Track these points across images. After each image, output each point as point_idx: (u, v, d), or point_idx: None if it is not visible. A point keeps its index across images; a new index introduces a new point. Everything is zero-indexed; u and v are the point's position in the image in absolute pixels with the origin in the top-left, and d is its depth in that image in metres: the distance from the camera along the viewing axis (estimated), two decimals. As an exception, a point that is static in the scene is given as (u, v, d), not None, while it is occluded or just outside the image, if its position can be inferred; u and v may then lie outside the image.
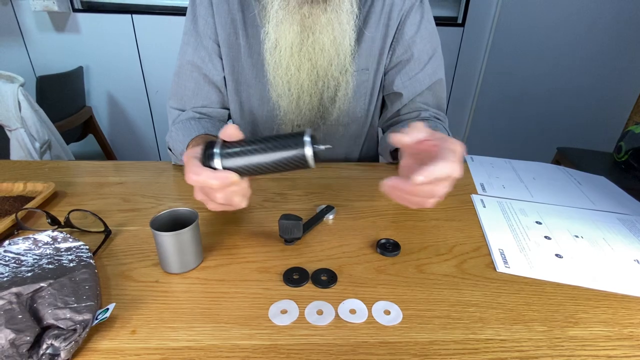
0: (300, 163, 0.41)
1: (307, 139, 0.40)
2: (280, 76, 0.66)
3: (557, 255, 0.48)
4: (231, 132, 0.42)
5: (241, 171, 0.42)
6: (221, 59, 0.72)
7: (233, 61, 0.72)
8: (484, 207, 0.59)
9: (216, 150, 0.42)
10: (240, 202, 0.45)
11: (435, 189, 0.40)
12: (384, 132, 0.80)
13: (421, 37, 0.71)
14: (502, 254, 0.48)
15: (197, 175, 0.41)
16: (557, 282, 0.43)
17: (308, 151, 0.40)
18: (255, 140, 0.42)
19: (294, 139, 0.40)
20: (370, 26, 0.69)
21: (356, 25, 0.64)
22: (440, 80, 0.74)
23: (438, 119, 0.74)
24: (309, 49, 0.63)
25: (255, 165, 0.41)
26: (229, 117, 0.80)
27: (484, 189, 0.65)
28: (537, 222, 0.55)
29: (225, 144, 0.42)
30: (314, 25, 0.61)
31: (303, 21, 0.61)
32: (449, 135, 0.69)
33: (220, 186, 0.41)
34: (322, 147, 0.42)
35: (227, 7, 0.68)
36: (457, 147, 0.41)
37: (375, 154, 0.89)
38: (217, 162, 0.41)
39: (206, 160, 0.42)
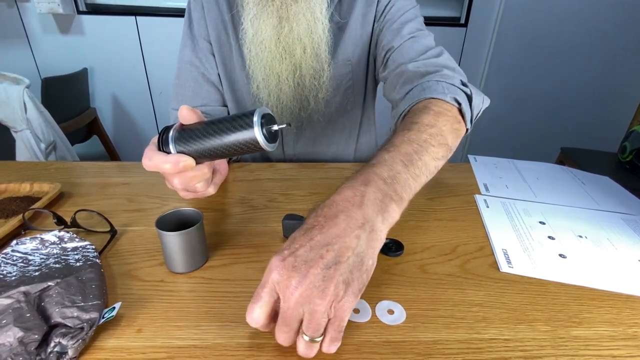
0: (252, 145, 0.37)
1: (256, 119, 0.36)
2: (260, 69, 0.68)
3: (560, 255, 0.48)
4: (185, 113, 0.40)
5: (197, 155, 0.40)
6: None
7: (225, 60, 0.73)
8: (487, 207, 0.59)
9: (170, 134, 0.40)
10: (202, 188, 0.44)
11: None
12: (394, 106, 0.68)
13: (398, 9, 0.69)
14: (505, 254, 0.48)
15: (149, 160, 0.40)
16: (561, 282, 0.43)
17: (257, 133, 0.36)
18: (210, 122, 0.39)
19: (244, 119, 0.37)
20: (350, 17, 0.70)
21: (329, 12, 0.65)
22: (416, 31, 0.66)
23: (438, 72, 0.59)
24: (286, 39, 0.64)
25: (209, 148, 0.39)
26: None
27: (487, 189, 0.65)
28: (540, 222, 0.55)
29: (183, 128, 0.40)
30: (288, 15, 0.62)
31: (279, 13, 0.62)
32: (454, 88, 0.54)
33: (172, 170, 0.39)
34: (275, 126, 0.38)
35: (218, 9, 0.71)
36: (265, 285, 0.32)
37: (374, 143, 0.89)
38: (171, 146, 0.40)
39: (161, 145, 0.40)
